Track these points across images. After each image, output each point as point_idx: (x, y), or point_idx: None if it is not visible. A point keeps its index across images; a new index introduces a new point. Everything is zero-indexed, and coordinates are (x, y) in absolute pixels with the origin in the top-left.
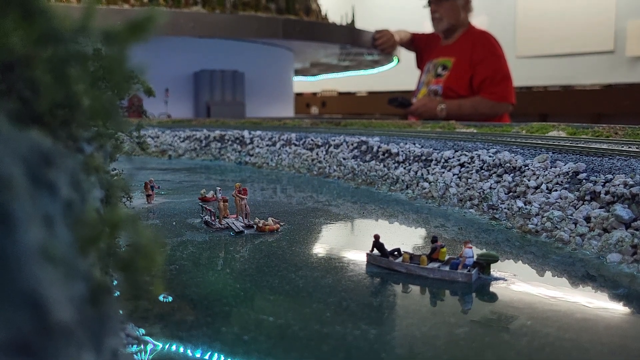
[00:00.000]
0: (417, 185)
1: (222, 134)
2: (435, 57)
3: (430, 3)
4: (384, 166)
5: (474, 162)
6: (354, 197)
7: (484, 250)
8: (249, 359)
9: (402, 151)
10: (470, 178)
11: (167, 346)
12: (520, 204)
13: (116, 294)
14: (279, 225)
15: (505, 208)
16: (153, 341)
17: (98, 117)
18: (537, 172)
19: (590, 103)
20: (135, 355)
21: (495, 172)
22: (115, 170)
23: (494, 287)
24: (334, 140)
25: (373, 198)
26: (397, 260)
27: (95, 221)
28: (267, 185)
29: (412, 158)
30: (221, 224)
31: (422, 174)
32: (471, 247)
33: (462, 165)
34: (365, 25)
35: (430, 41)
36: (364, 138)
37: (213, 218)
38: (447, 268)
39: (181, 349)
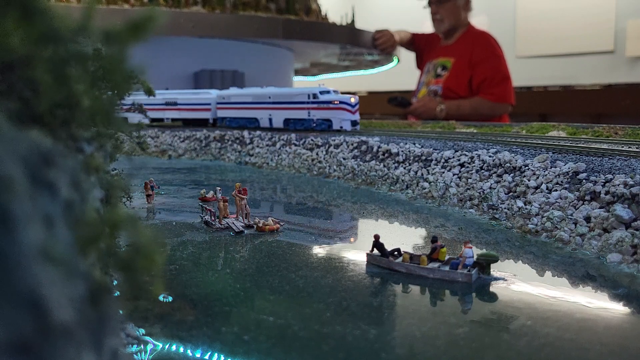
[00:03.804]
0: (417, 185)
1: (222, 134)
2: (435, 57)
3: (430, 4)
4: (384, 166)
5: (474, 162)
6: (354, 197)
7: (484, 250)
8: (249, 359)
9: (402, 151)
10: (470, 178)
11: (167, 346)
12: (520, 204)
13: (116, 294)
14: (279, 225)
15: (505, 208)
16: (153, 341)
17: (98, 117)
18: (537, 172)
19: (590, 103)
20: (135, 355)
21: (495, 172)
22: (115, 170)
23: (494, 287)
24: (334, 140)
25: (373, 198)
26: (397, 260)
27: (95, 221)
28: (267, 185)
29: (412, 158)
30: (221, 224)
31: (422, 174)
32: (471, 247)
33: (462, 165)
34: (365, 25)
35: (430, 41)
36: (364, 138)
37: (213, 218)
38: (447, 268)
39: (181, 349)
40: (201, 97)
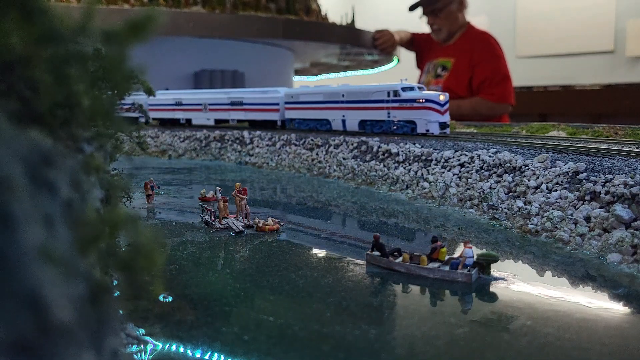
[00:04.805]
0: (417, 185)
1: (222, 134)
2: (435, 57)
3: (425, 14)
4: (384, 166)
5: (474, 162)
6: (354, 197)
7: (484, 250)
8: (249, 359)
9: (402, 151)
10: (470, 178)
11: (167, 346)
12: (520, 204)
13: (116, 294)
14: (279, 225)
15: (505, 208)
16: (153, 341)
17: (98, 117)
18: (537, 172)
19: (590, 103)
20: (135, 355)
21: (495, 172)
22: (115, 170)
23: (494, 287)
24: (334, 140)
25: (373, 198)
26: (397, 260)
27: (95, 221)
28: (267, 185)
29: (412, 158)
30: (221, 224)
31: (422, 174)
32: (471, 247)
33: (462, 165)
34: (365, 25)
35: (430, 41)
36: (364, 138)
37: (213, 218)
38: (447, 268)
39: (181, 349)
40: (268, 96)
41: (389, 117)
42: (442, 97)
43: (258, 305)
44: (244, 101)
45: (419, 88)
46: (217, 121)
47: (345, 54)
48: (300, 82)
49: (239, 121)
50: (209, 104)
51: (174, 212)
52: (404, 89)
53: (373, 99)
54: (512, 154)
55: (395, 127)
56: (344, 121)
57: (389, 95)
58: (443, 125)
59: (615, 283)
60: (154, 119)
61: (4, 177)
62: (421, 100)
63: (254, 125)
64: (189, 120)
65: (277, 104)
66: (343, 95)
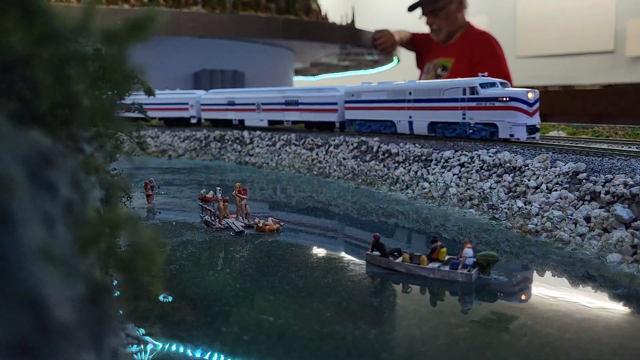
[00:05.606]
0: (417, 185)
1: (222, 134)
2: (435, 57)
3: (425, 15)
4: (384, 166)
5: (474, 162)
6: (354, 197)
7: (484, 251)
8: (249, 359)
9: (402, 151)
10: (470, 178)
11: (167, 346)
12: (520, 204)
13: (116, 294)
14: (279, 225)
15: (505, 208)
16: (153, 341)
17: (98, 117)
18: (537, 172)
19: (590, 103)
20: (135, 355)
21: (495, 172)
22: (115, 170)
23: (494, 287)
24: (334, 140)
25: (373, 198)
26: (397, 260)
27: (95, 221)
28: (267, 185)
29: (412, 158)
30: (221, 224)
31: (422, 174)
32: (471, 247)
33: (462, 165)
34: (365, 25)
35: (430, 41)
36: (364, 138)
37: (213, 218)
38: (447, 268)
39: (181, 349)
40: (326, 94)
41: (464, 118)
42: (531, 95)
43: (258, 305)
44: (299, 101)
45: (502, 84)
46: (270, 122)
47: (345, 54)
48: (301, 82)
49: (293, 122)
50: (262, 104)
51: (174, 212)
52: (482, 85)
53: (445, 98)
54: (512, 154)
55: (471, 131)
56: (410, 123)
57: (464, 93)
58: (532, 130)
59: (615, 283)
60: (205, 119)
61: (4, 177)
62: (504, 99)
63: (310, 126)
64: (241, 122)
65: (336, 104)
66: (410, 93)
